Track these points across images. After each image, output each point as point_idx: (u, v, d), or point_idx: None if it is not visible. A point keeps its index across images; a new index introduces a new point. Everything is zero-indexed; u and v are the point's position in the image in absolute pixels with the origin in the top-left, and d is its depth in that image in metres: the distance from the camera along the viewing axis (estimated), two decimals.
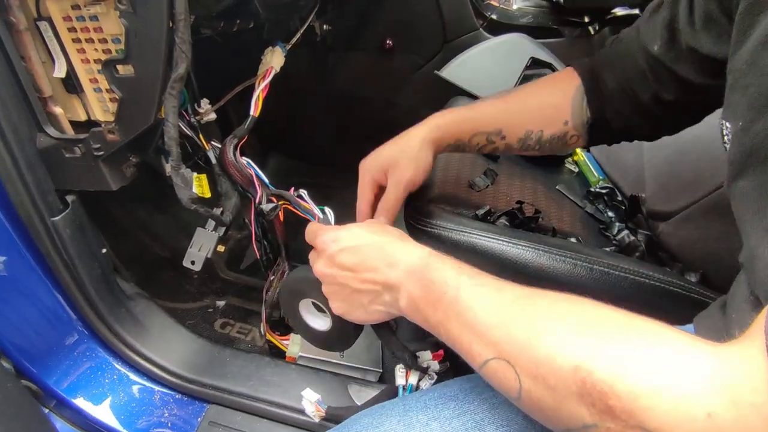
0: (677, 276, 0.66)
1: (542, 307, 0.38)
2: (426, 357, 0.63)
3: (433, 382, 0.61)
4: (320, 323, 0.60)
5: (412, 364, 0.60)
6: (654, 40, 0.56)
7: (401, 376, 0.62)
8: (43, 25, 0.58)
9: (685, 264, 0.76)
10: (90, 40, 0.59)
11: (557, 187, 0.86)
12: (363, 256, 0.50)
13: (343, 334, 0.57)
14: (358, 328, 0.57)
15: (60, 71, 0.61)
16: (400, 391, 0.61)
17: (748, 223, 0.39)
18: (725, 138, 0.42)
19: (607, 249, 0.74)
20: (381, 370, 0.83)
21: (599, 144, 0.71)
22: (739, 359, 0.26)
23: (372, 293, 0.49)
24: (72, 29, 0.58)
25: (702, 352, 0.28)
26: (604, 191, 0.85)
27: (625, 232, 0.78)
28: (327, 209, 0.61)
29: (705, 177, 0.70)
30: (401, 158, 0.64)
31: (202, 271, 0.97)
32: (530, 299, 0.39)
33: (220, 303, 1.04)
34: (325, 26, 1.23)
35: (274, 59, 0.79)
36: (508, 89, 0.71)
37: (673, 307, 0.63)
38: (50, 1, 0.56)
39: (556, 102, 0.65)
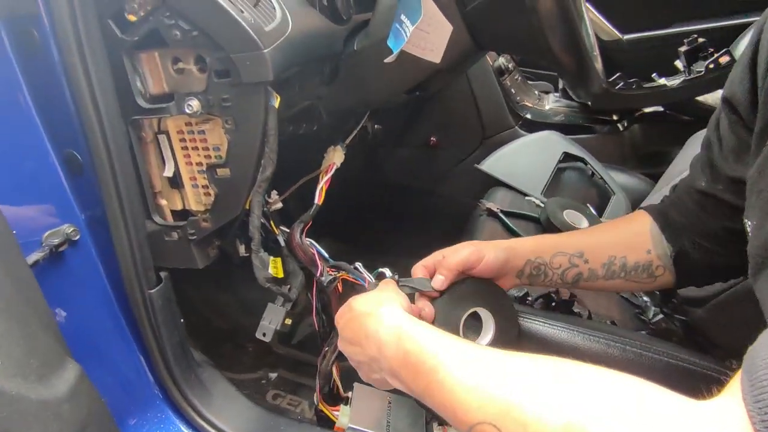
0: (715, 361, 0.68)
1: (522, 367, 0.39)
2: None
3: None
4: (481, 337, 0.61)
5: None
6: (700, 179, 0.61)
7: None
8: (162, 138, 0.74)
9: (726, 350, 0.77)
10: (195, 148, 0.73)
11: None
12: (351, 332, 0.54)
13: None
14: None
15: (169, 171, 0.75)
16: None
17: None
18: (749, 234, 0.48)
19: (643, 332, 0.78)
20: None
21: (691, 284, 0.69)
22: (720, 411, 0.30)
23: (366, 364, 0.54)
24: (182, 140, 0.73)
25: (685, 407, 0.31)
26: None
27: (661, 316, 0.81)
28: (386, 270, 0.64)
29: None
30: (469, 246, 0.64)
31: (257, 345, 1.05)
32: (509, 360, 0.40)
33: (273, 375, 1.11)
34: (376, 126, 1.38)
35: (336, 156, 0.93)
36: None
37: (711, 393, 0.64)
38: (170, 120, 0.72)
39: (636, 230, 0.68)
